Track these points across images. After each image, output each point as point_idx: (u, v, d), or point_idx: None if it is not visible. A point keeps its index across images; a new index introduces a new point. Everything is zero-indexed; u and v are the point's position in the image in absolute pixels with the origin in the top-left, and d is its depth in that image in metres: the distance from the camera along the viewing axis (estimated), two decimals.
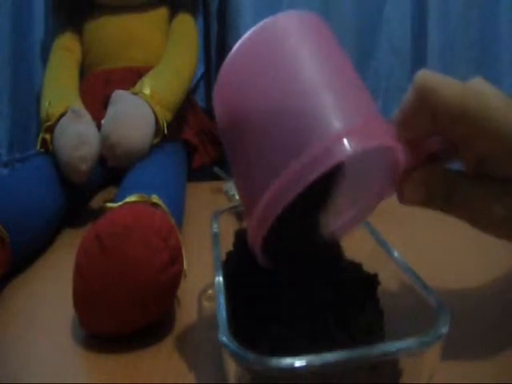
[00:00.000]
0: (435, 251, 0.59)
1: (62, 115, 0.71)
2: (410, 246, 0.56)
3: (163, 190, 0.56)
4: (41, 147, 0.73)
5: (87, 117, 0.71)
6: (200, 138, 0.93)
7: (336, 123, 0.30)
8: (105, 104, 0.74)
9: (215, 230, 0.45)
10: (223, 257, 0.43)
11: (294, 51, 0.33)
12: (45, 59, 0.94)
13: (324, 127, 0.30)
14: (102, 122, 0.70)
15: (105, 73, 0.89)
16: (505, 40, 0.97)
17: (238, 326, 0.33)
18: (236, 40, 0.34)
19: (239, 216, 0.50)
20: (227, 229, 0.46)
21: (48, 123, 0.72)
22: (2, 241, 0.52)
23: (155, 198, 0.52)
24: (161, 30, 0.94)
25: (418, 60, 0.98)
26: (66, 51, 0.92)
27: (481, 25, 0.97)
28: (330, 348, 0.29)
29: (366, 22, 0.97)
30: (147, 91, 0.76)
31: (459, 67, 0.99)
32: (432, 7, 0.95)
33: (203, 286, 0.51)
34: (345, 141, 0.29)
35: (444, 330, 0.29)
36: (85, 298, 0.42)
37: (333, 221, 0.40)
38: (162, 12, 0.95)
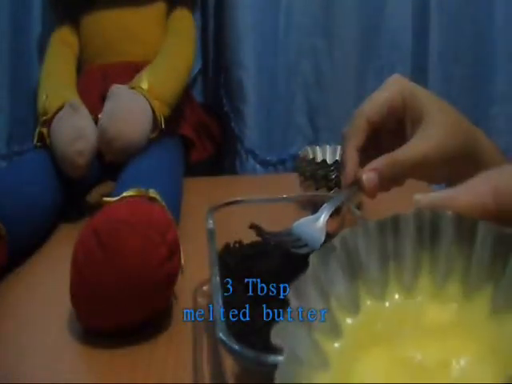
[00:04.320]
0: None
1: (60, 109, 0.71)
2: None
3: (160, 185, 0.56)
4: (38, 141, 0.73)
5: (84, 111, 0.71)
6: (197, 133, 0.92)
7: None
8: (102, 98, 0.74)
9: (210, 226, 0.45)
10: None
11: None
12: (43, 54, 0.93)
13: None
14: (100, 116, 0.70)
15: (102, 67, 0.89)
16: (500, 36, 0.98)
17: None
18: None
19: (235, 212, 0.50)
20: (223, 224, 0.46)
21: (45, 117, 0.72)
22: None
23: (153, 193, 0.52)
24: (158, 25, 0.94)
25: (419, 56, 0.99)
26: (64, 45, 0.92)
27: (478, 21, 0.98)
28: None
29: (369, 19, 0.98)
30: (145, 86, 0.76)
31: (458, 62, 1.00)
32: (433, 4, 0.96)
33: (199, 282, 0.51)
34: None
35: None
36: (82, 292, 0.42)
37: None
38: (160, 7, 0.95)
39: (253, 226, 0.42)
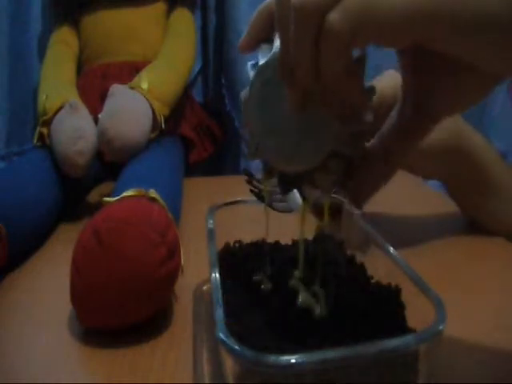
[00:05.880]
0: (433, 248, 0.59)
1: (59, 109, 0.71)
2: (407, 242, 0.56)
3: (160, 185, 0.56)
4: (38, 141, 0.73)
5: (84, 111, 0.71)
6: (197, 133, 0.92)
7: None
8: (102, 98, 0.74)
9: (210, 226, 0.45)
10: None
11: None
12: (42, 54, 0.93)
13: None
14: (100, 116, 0.70)
15: (102, 67, 0.89)
16: None
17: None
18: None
19: (235, 212, 0.50)
20: (223, 224, 0.46)
21: (45, 117, 0.72)
22: None
23: (152, 193, 0.51)
24: (158, 25, 0.94)
25: None
26: (64, 45, 0.92)
27: None
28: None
29: None
30: (145, 86, 0.76)
31: None
32: None
33: (199, 282, 0.51)
34: None
35: (441, 326, 0.29)
36: (82, 292, 0.42)
37: None
38: (160, 6, 0.95)
39: (246, 173, 0.42)
